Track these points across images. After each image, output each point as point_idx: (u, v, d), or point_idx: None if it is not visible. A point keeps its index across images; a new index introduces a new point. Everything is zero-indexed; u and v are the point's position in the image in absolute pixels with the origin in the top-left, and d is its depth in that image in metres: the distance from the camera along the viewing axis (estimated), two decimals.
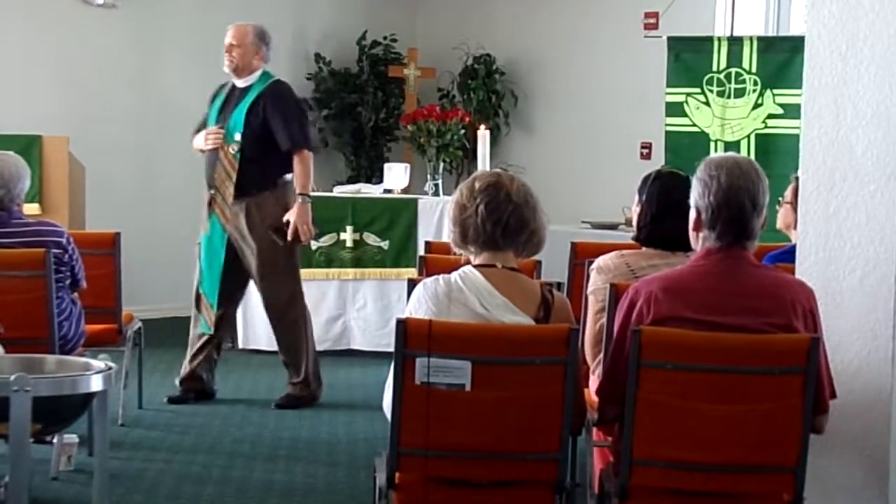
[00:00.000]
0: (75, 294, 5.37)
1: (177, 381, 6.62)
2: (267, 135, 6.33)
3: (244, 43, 6.47)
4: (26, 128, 7.56)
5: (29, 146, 7.11)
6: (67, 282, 5.24)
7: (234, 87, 6.51)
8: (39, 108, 8.44)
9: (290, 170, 6.41)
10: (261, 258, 6.40)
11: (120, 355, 5.74)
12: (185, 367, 6.61)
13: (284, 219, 6.35)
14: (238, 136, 6.33)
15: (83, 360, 3.58)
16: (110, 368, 3.37)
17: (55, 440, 5.06)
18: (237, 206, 6.36)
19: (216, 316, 6.49)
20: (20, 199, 5.14)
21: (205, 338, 6.53)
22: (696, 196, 3.36)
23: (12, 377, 3.16)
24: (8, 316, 4.43)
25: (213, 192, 6.40)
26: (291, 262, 6.54)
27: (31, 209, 6.62)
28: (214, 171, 6.38)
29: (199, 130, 6.53)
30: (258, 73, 6.49)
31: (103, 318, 5.74)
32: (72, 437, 5.16)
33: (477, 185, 3.51)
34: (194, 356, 6.58)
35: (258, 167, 6.34)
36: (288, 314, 6.56)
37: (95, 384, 3.29)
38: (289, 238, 6.37)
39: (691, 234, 3.41)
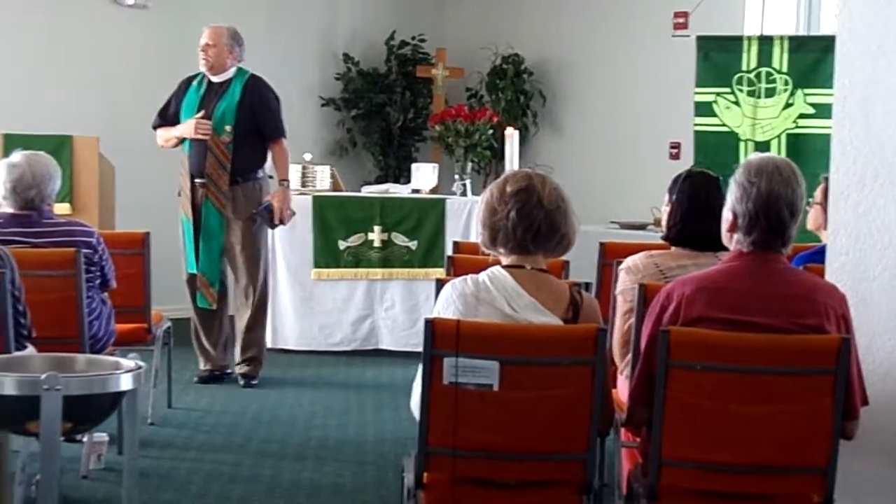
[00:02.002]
0: (105, 293, 5.39)
1: (201, 365, 7.02)
2: (254, 125, 6.83)
3: (219, 43, 6.90)
4: (57, 128, 7.60)
5: (60, 146, 7.15)
6: (97, 281, 5.26)
7: (209, 81, 6.90)
8: (70, 109, 8.49)
9: (266, 160, 6.97)
10: (243, 241, 6.89)
11: (149, 354, 5.77)
12: (207, 347, 7.03)
13: (266, 202, 6.86)
14: (229, 128, 6.78)
15: (113, 359, 3.59)
16: (140, 367, 3.38)
17: (85, 439, 5.09)
18: (229, 193, 6.82)
19: (216, 293, 6.91)
20: (51, 199, 5.17)
21: (217, 315, 6.97)
22: (733, 199, 3.33)
23: (43, 376, 3.17)
24: (39, 315, 4.44)
25: (203, 180, 6.81)
26: (265, 245, 7.11)
27: (61, 209, 6.66)
28: (204, 161, 6.80)
29: (164, 120, 6.94)
30: (233, 70, 6.91)
31: (133, 317, 5.77)
32: (102, 436, 5.19)
33: (508, 188, 3.47)
34: (210, 334, 7.00)
35: (247, 156, 6.85)
36: (262, 293, 7.02)
37: (125, 383, 3.30)
38: (275, 221, 6.89)
39: (724, 235, 3.40)
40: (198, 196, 6.85)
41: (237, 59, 6.93)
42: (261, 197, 6.91)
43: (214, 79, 6.89)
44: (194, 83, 6.93)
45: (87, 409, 3.30)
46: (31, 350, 4.26)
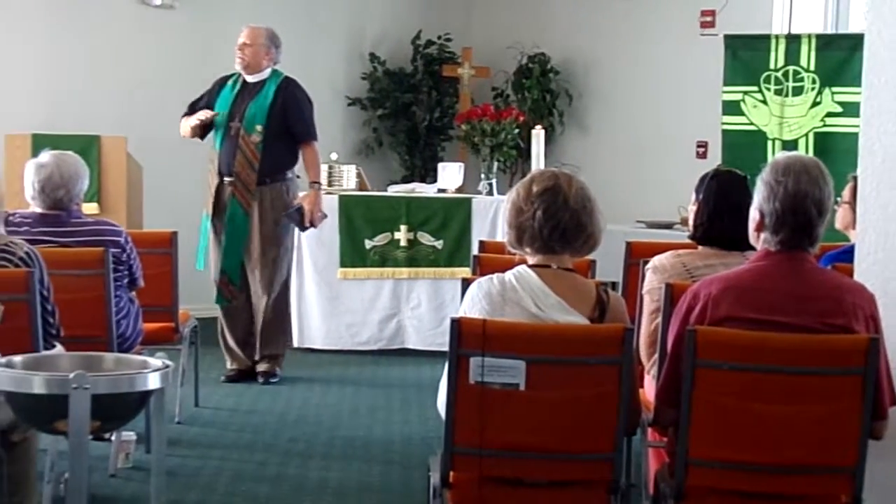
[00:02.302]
0: (133, 293, 5.41)
1: (228, 364, 7.04)
2: (285, 127, 6.83)
3: (256, 43, 6.92)
4: (85, 128, 7.64)
5: (88, 146, 7.20)
6: (125, 281, 5.28)
7: (244, 81, 6.91)
8: (98, 109, 8.54)
9: (296, 162, 6.98)
10: (267, 241, 6.87)
11: (176, 353, 5.78)
12: (233, 346, 7.05)
13: (297, 204, 6.87)
14: (259, 128, 6.78)
15: (141, 358, 3.60)
16: (167, 367, 3.39)
17: (113, 438, 5.11)
18: (256, 192, 6.81)
19: (237, 291, 6.95)
20: (79, 199, 5.19)
21: (242, 313, 7.00)
22: (760, 199, 3.31)
23: (72, 375, 3.19)
24: (67, 314, 4.46)
25: (231, 178, 6.81)
26: (290, 246, 7.10)
27: (89, 209, 6.69)
28: (234, 160, 6.79)
29: (192, 112, 6.94)
30: (268, 71, 6.93)
31: (160, 316, 5.78)
32: (129, 435, 5.21)
33: (535, 188, 3.46)
34: (237, 333, 7.03)
35: (276, 157, 6.85)
36: (281, 294, 7.03)
37: (153, 382, 3.31)
38: (306, 224, 6.90)
39: (752, 234, 3.38)
40: (224, 194, 6.87)
41: (273, 61, 6.95)
42: (288, 198, 6.92)
43: (249, 78, 6.91)
44: (229, 82, 6.95)
45: (115, 408, 3.31)
46: (59, 349, 4.29)
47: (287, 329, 7.33)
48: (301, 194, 7.04)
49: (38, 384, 3.25)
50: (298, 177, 7.07)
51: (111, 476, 5.11)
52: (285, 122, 6.85)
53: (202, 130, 6.95)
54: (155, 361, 3.42)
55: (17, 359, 3.46)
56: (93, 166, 6.90)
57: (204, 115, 6.83)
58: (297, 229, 7.09)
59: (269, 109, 6.81)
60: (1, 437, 3.64)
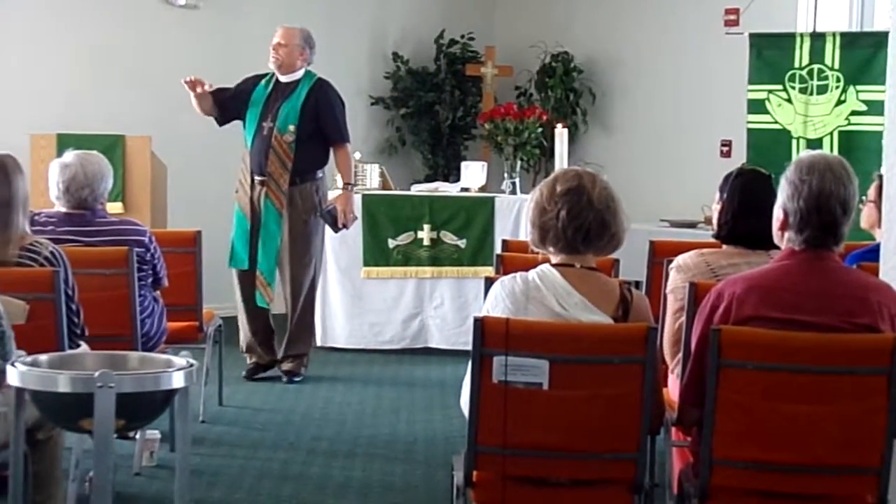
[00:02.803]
0: (157, 292, 5.42)
1: (248, 359, 7.02)
2: (317, 128, 6.85)
3: (291, 43, 6.94)
4: (110, 128, 7.67)
5: (112, 146, 7.22)
6: (149, 280, 5.29)
7: (277, 80, 6.93)
8: (122, 109, 8.56)
9: (326, 163, 6.99)
10: (296, 241, 6.89)
11: (200, 352, 5.79)
12: (252, 342, 7.06)
13: (330, 205, 6.90)
14: (292, 128, 6.80)
15: (165, 357, 3.61)
16: (192, 365, 3.40)
17: (137, 436, 5.13)
18: (287, 192, 6.83)
19: (273, 293, 6.93)
20: (104, 199, 5.20)
21: (262, 313, 6.99)
22: (784, 198, 3.30)
23: (97, 374, 3.20)
24: (92, 313, 4.48)
25: (264, 178, 6.82)
26: (318, 246, 7.09)
27: (114, 208, 6.71)
28: (266, 159, 6.81)
29: (214, 94, 6.93)
30: (302, 71, 6.94)
31: (184, 315, 5.80)
32: (154, 434, 5.23)
33: (558, 188, 3.45)
34: (255, 330, 7.03)
35: (308, 157, 6.87)
36: (309, 294, 7.02)
37: (177, 381, 3.32)
38: (339, 225, 6.91)
39: (776, 233, 3.37)
40: (255, 194, 6.88)
41: (307, 61, 6.96)
42: (316, 199, 6.93)
43: (283, 78, 6.92)
44: (262, 82, 6.96)
45: (140, 407, 3.32)
46: (84, 348, 4.30)
47: (313, 329, 7.33)
48: (332, 195, 7.04)
49: (63, 383, 3.26)
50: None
51: (136, 474, 5.13)
52: (317, 123, 6.86)
53: (219, 111, 6.95)
54: (179, 360, 3.43)
55: (43, 357, 3.48)
56: (117, 166, 6.93)
57: (195, 82, 6.82)
58: (328, 229, 7.07)
59: (301, 109, 6.82)
60: (26, 436, 3.65)
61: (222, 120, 7.06)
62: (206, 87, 6.83)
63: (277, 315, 7.15)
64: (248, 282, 6.95)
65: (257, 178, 6.86)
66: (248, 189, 6.91)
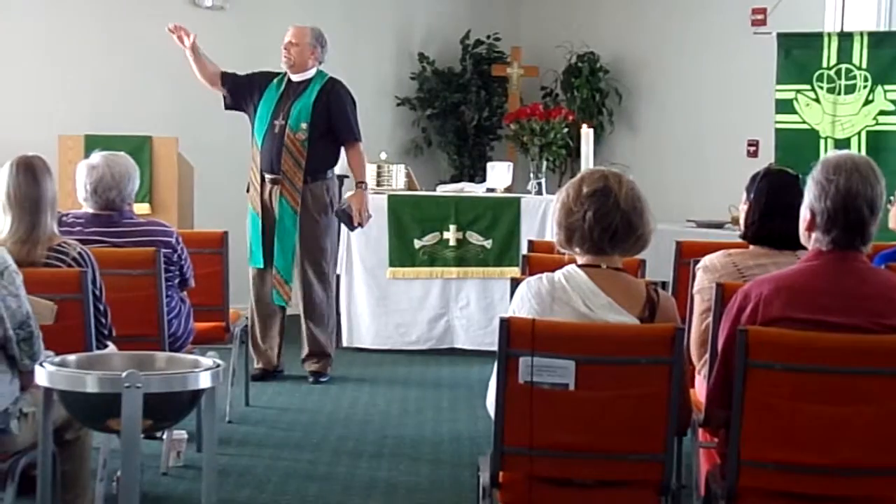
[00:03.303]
0: (184, 292, 5.44)
1: (254, 363, 6.96)
2: (328, 126, 6.86)
3: (302, 42, 6.96)
4: (137, 129, 7.69)
5: (139, 147, 7.25)
6: (177, 280, 5.31)
7: (289, 80, 6.95)
8: (149, 110, 8.60)
9: (337, 162, 7.01)
10: (309, 239, 6.90)
11: (227, 353, 5.81)
12: (260, 344, 7.03)
13: (345, 204, 6.91)
14: (304, 125, 6.81)
15: (192, 357, 3.62)
16: (218, 366, 3.41)
17: (165, 436, 5.15)
18: (300, 190, 6.85)
19: (291, 291, 6.94)
20: (131, 199, 5.22)
21: (277, 313, 6.99)
22: (811, 198, 3.28)
23: (124, 374, 3.21)
24: (119, 314, 4.50)
25: (277, 176, 6.84)
26: (333, 244, 7.11)
27: (141, 209, 6.74)
28: (280, 157, 6.82)
29: (228, 72, 7.06)
30: (313, 70, 6.96)
31: (211, 316, 5.81)
32: (181, 434, 5.24)
33: (584, 189, 3.44)
34: (267, 332, 7.02)
35: (321, 155, 6.89)
36: (326, 292, 7.02)
37: (204, 381, 3.33)
38: (355, 223, 6.93)
39: (803, 234, 3.35)
40: (266, 192, 6.90)
41: (318, 60, 6.97)
42: (328, 198, 6.94)
43: (295, 78, 6.94)
44: (275, 81, 6.98)
45: (167, 407, 3.33)
46: (111, 348, 4.32)
47: (335, 328, 7.34)
48: (347, 194, 7.06)
49: (91, 383, 3.28)
50: (346, 176, 7.08)
51: (163, 474, 5.15)
52: (329, 121, 6.87)
53: (228, 89, 7.02)
54: (206, 361, 3.44)
55: (71, 358, 3.49)
56: (144, 167, 6.96)
57: (178, 28, 7.02)
58: (343, 228, 7.11)
59: (312, 107, 6.84)
60: (55, 436, 3.68)
61: (230, 100, 7.06)
62: (192, 39, 6.96)
63: (292, 316, 7.15)
64: (262, 282, 6.96)
65: (268, 176, 6.87)
66: (258, 187, 6.93)
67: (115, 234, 5.13)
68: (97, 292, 4.32)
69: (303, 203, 6.86)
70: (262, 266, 6.94)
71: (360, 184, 6.98)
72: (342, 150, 7.04)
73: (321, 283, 7.00)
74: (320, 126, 6.84)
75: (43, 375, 3.34)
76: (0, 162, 4.28)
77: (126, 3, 8.83)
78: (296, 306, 7.08)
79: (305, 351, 7.09)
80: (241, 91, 7.03)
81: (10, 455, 3.68)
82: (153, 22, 8.89)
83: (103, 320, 4.36)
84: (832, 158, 3.31)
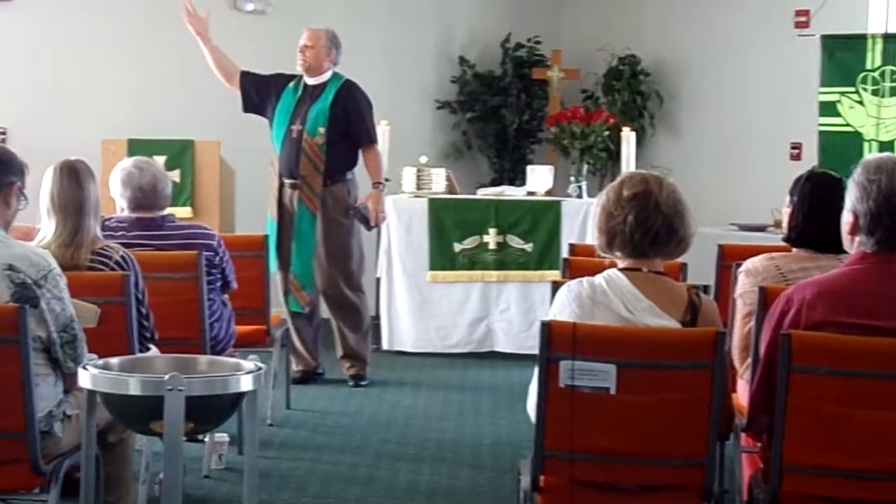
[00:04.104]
0: (226, 296, 5.47)
1: (294, 366, 6.92)
2: (345, 129, 6.85)
3: (317, 45, 6.96)
4: (179, 133, 7.74)
5: (182, 151, 7.30)
6: (218, 283, 5.33)
7: (305, 84, 6.94)
8: (191, 114, 8.64)
9: (356, 164, 6.99)
10: (331, 242, 6.88)
11: (268, 356, 5.82)
12: (299, 348, 7.01)
13: (361, 204, 6.88)
14: (322, 130, 6.80)
15: (234, 360, 3.63)
16: (260, 369, 3.42)
17: (206, 439, 5.17)
18: (320, 194, 6.83)
19: (309, 296, 6.89)
20: (167, 203, 5.25)
21: (305, 318, 6.96)
22: (853, 200, 3.25)
23: (167, 377, 3.23)
24: (162, 317, 4.53)
25: (296, 181, 6.84)
26: (358, 244, 7.04)
27: (182, 212, 6.79)
28: (298, 162, 6.83)
29: (247, 70, 7.07)
30: (329, 73, 6.95)
31: (252, 319, 5.83)
32: (223, 437, 5.27)
33: (625, 192, 3.43)
34: (302, 338, 7.00)
35: (339, 158, 6.88)
36: (355, 294, 7.00)
37: (246, 384, 3.34)
38: (372, 224, 6.94)
39: (845, 237, 3.32)
40: (285, 196, 6.90)
41: (334, 62, 6.97)
42: (349, 200, 6.93)
43: (310, 81, 6.93)
44: (291, 85, 6.97)
45: (209, 410, 3.35)
46: (154, 351, 4.35)
47: (370, 329, 7.28)
48: (364, 195, 7.01)
49: (133, 386, 3.30)
50: None
51: (205, 477, 5.17)
52: (346, 124, 6.87)
53: (247, 91, 7.03)
54: (247, 364, 3.46)
55: (114, 360, 3.51)
56: (186, 170, 7.00)
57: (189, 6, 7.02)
58: (363, 229, 7.07)
59: (329, 111, 6.83)
60: (98, 438, 3.70)
61: (247, 102, 7.06)
62: (203, 15, 7.00)
63: (327, 318, 7.14)
64: (286, 285, 6.95)
65: (287, 180, 6.88)
66: (275, 191, 6.93)
67: (158, 237, 5.16)
68: (140, 295, 4.35)
69: (323, 206, 6.86)
70: (274, 269, 6.86)
71: (377, 184, 6.97)
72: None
73: (349, 285, 6.97)
74: (338, 129, 6.84)
75: (86, 378, 3.36)
76: (44, 166, 4.32)
77: (169, 7, 8.86)
78: (325, 310, 7.09)
79: (340, 353, 7.10)
80: (260, 92, 7.04)
81: (53, 457, 3.70)
82: None
83: (146, 323, 4.38)
84: (872, 160, 3.29)
